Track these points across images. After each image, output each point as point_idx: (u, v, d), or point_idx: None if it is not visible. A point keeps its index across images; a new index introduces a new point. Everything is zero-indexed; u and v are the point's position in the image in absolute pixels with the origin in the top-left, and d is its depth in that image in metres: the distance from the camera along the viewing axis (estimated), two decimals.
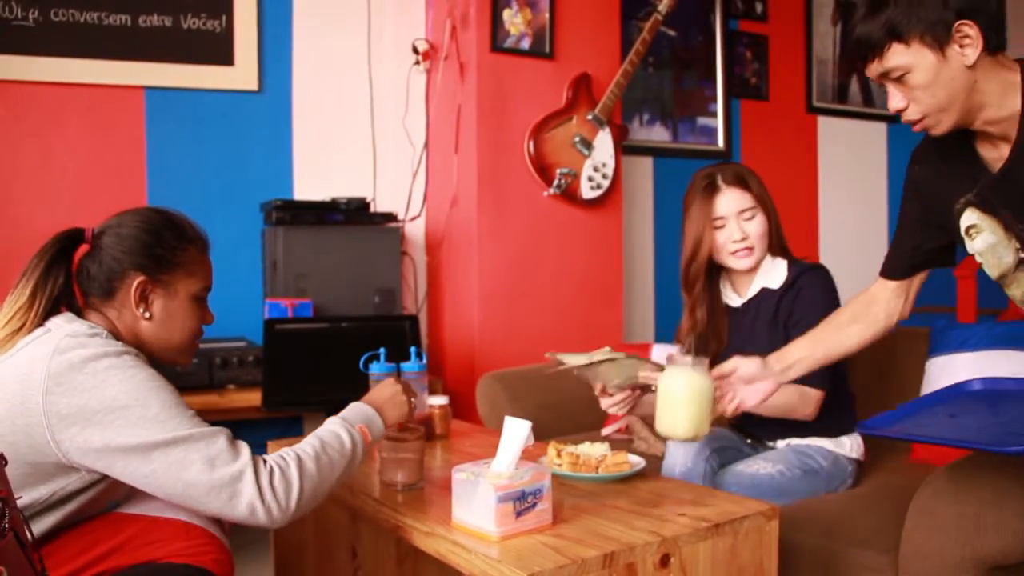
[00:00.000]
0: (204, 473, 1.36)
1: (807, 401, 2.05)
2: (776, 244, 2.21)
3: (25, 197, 3.09)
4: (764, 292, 2.20)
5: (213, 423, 1.44)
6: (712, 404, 1.64)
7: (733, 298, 2.27)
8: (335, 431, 1.52)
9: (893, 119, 5.14)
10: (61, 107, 3.14)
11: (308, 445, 1.47)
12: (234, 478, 1.36)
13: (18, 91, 3.08)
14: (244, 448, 1.41)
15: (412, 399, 1.71)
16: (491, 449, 1.56)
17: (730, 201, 2.16)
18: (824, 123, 4.88)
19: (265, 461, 1.41)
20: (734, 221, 2.15)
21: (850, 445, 2.19)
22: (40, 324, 1.49)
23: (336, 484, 1.49)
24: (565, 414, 2.82)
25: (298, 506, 1.41)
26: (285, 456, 1.43)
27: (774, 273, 2.19)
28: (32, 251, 1.55)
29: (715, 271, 2.27)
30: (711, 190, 2.17)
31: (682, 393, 1.61)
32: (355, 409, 1.61)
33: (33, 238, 1.60)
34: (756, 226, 2.15)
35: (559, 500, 1.58)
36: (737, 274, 2.24)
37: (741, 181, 2.15)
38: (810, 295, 2.13)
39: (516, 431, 1.48)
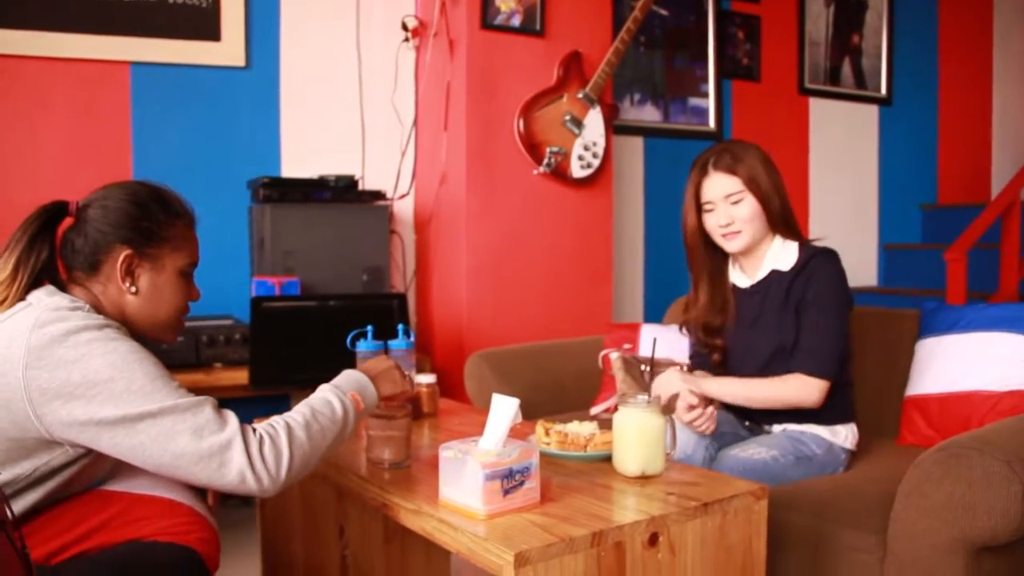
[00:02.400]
0: (192, 443, 1.34)
1: (809, 390, 2.07)
2: (783, 225, 2.19)
3: (9, 172, 3.05)
4: (774, 274, 2.18)
5: None
6: (664, 441, 1.65)
7: (741, 279, 2.26)
8: (326, 398, 1.51)
9: (885, 101, 5.14)
10: (46, 82, 3.10)
11: (298, 413, 1.46)
12: (223, 446, 1.35)
13: (1, 65, 3.03)
14: (231, 416, 1.39)
15: (408, 376, 1.70)
16: (479, 427, 1.54)
17: (716, 186, 2.16)
18: (816, 105, 4.87)
19: (255, 429, 1.39)
20: (722, 205, 2.16)
21: (845, 434, 2.18)
22: (22, 298, 1.46)
23: (328, 452, 1.48)
24: (553, 393, 2.81)
25: (288, 474, 1.39)
26: (275, 424, 1.42)
27: (784, 255, 2.18)
28: (15, 226, 1.52)
29: (724, 252, 2.27)
30: (701, 173, 2.19)
31: (632, 433, 1.62)
32: (348, 376, 1.59)
33: (16, 213, 1.57)
34: (742, 210, 2.14)
35: (547, 479, 1.57)
36: (745, 256, 2.23)
37: (730, 167, 2.14)
38: (822, 282, 2.11)
39: (504, 409, 1.47)
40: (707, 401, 2.09)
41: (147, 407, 1.34)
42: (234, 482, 1.36)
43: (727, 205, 2.14)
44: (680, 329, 2.40)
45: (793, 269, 2.16)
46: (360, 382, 1.59)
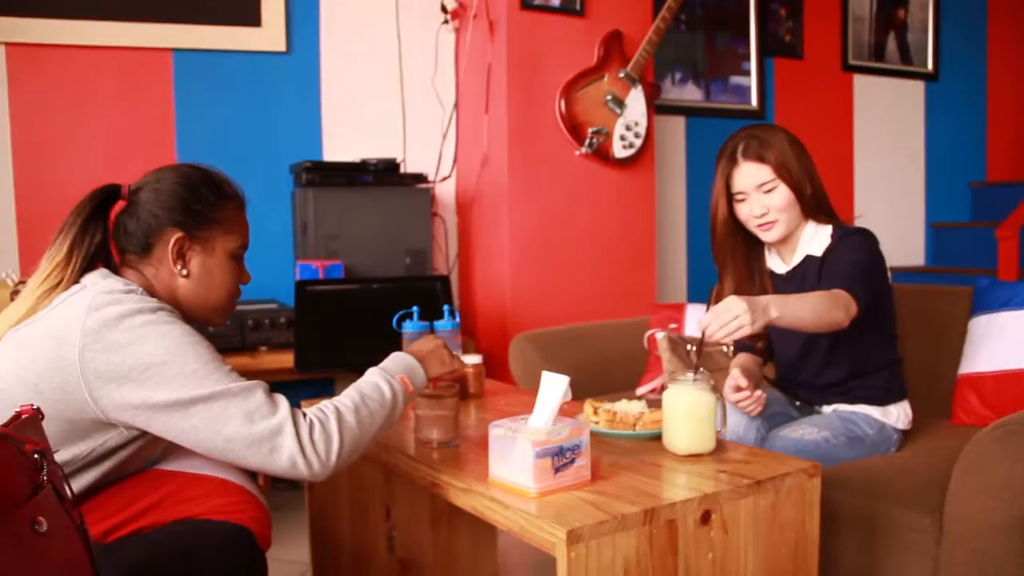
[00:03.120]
0: (244, 427, 1.35)
1: (836, 304, 1.86)
2: (817, 209, 2.14)
3: (57, 159, 3.10)
4: (808, 260, 2.15)
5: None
6: (714, 419, 1.62)
7: (778, 265, 2.22)
8: (375, 382, 1.51)
9: (931, 77, 5.04)
10: (91, 70, 3.14)
11: (347, 398, 1.47)
12: (274, 431, 1.36)
13: (48, 55, 3.07)
14: (282, 401, 1.40)
15: (455, 355, 1.70)
16: (526, 408, 1.54)
17: (747, 176, 2.10)
18: (860, 82, 4.79)
19: (305, 414, 1.40)
20: (754, 195, 2.11)
21: (897, 415, 2.15)
22: (76, 281, 1.48)
23: (377, 435, 1.48)
24: (599, 375, 2.80)
25: (339, 459, 1.40)
26: (324, 409, 1.43)
27: (817, 240, 2.14)
28: (67, 211, 1.54)
29: (757, 239, 2.22)
30: (730, 163, 2.13)
31: (682, 411, 1.61)
32: (396, 359, 1.60)
33: (65, 200, 1.59)
34: (776, 198, 2.09)
35: (597, 457, 1.56)
36: (782, 240, 2.19)
37: (759, 154, 2.09)
38: (842, 252, 2.06)
39: (554, 386, 1.46)
40: (755, 383, 2.06)
41: (200, 391, 1.36)
42: (285, 466, 1.37)
43: (760, 194, 2.10)
44: None
45: (825, 252, 2.11)
46: (409, 364, 1.59)
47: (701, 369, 1.66)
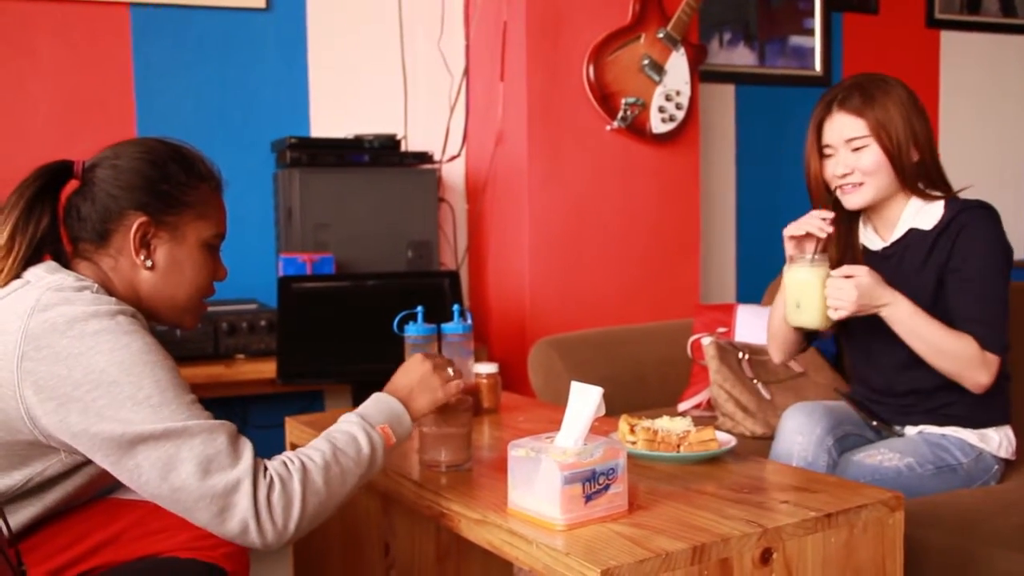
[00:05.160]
0: (194, 477, 1.32)
1: (982, 367, 1.97)
2: (925, 182, 2.14)
3: None
4: (913, 233, 2.14)
5: (220, 399, 1.41)
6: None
7: (873, 240, 2.21)
8: (351, 433, 1.48)
9: None
10: (30, 26, 3.13)
11: (317, 451, 1.43)
12: (229, 488, 1.32)
13: None
14: (247, 451, 1.37)
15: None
16: (549, 425, 1.54)
17: (837, 128, 2.12)
18: (949, 40, 4.75)
19: (266, 469, 1.37)
20: (841, 151, 2.12)
21: (998, 441, 2.12)
22: (18, 275, 1.47)
23: (347, 497, 1.46)
24: (633, 387, 2.82)
25: (298, 528, 1.37)
26: (289, 464, 1.39)
27: (925, 212, 2.14)
28: (6, 192, 1.53)
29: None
30: (824, 111, 2.16)
31: (817, 280, 1.99)
32: (379, 403, 1.56)
33: (4, 180, 1.58)
34: (864, 159, 2.09)
35: (633, 484, 1.55)
36: (877, 213, 2.19)
37: (857, 108, 2.10)
38: (978, 240, 2.06)
39: (585, 399, 1.45)
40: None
41: (151, 425, 1.33)
42: (234, 531, 1.34)
43: (847, 151, 2.11)
44: None
45: (937, 226, 2.10)
46: (392, 410, 1.55)
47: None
